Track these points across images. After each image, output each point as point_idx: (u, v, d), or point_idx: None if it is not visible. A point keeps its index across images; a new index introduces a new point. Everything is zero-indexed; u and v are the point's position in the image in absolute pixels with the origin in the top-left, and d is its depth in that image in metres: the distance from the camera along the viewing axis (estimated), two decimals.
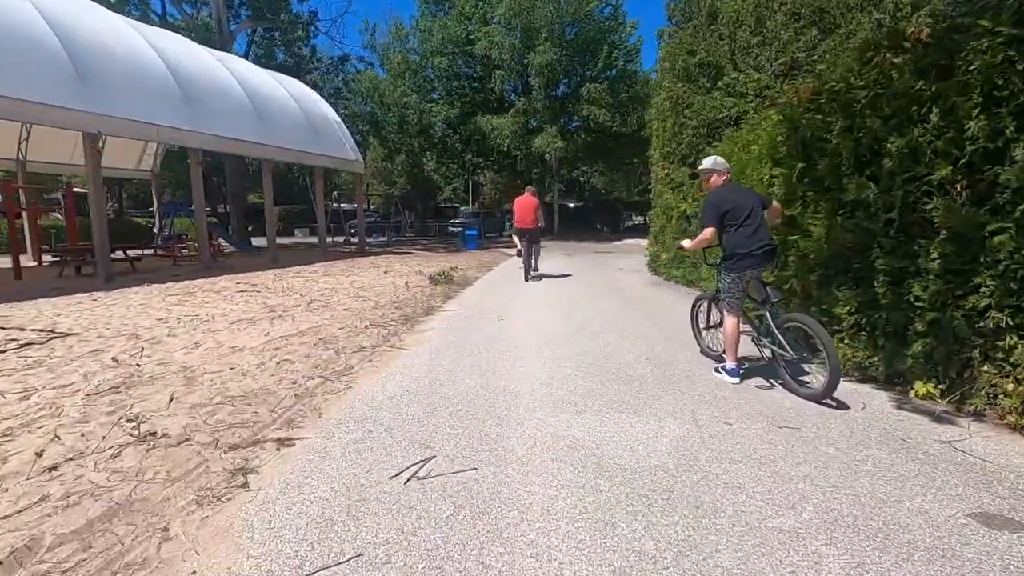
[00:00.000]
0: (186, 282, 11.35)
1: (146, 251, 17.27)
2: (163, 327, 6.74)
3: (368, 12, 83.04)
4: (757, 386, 4.33)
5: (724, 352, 4.60)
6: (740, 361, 4.54)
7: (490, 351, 5.44)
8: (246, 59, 20.60)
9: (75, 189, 16.04)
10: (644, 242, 26.57)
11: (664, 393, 4.13)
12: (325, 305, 8.36)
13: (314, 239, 24.91)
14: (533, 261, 11.09)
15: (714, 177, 4.67)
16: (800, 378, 4.33)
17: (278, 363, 4.97)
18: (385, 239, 27.54)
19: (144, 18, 20.67)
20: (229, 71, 15.30)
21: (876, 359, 4.30)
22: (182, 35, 16.99)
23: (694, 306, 5.61)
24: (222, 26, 21.09)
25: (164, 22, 21.96)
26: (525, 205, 10.86)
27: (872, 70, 4.47)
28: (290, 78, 19.18)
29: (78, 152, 14.78)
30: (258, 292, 9.95)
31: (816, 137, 5.03)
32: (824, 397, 3.92)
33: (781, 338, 4.25)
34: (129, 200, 41.84)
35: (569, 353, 5.32)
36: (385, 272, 13.04)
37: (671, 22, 11.07)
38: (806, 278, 5.12)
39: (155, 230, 20.28)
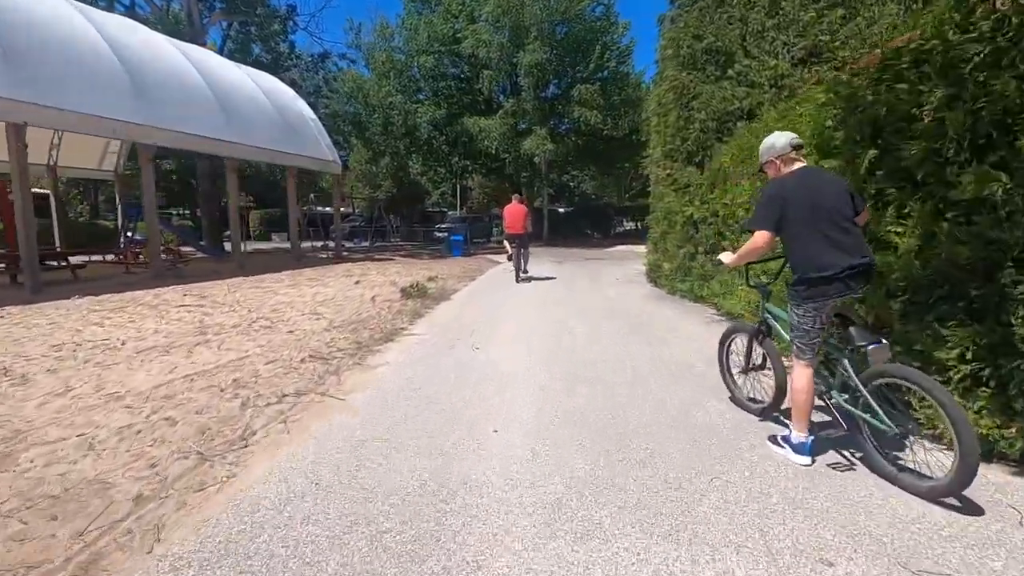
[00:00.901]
0: (127, 293, 9.79)
1: (108, 256, 15.61)
2: (50, 358, 5.21)
3: (352, 10, 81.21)
4: (832, 466, 2.91)
5: (790, 419, 3.14)
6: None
7: (454, 404, 3.96)
8: (220, 54, 19.04)
9: (36, 190, 14.38)
10: (638, 248, 25.32)
11: (708, 489, 2.68)
12: (270, 325, 6.85)
13: (307, 244, 23.35)
14: (523, 264, 11.40)
15: (778, 163, 3.21)
16: (896, 457, 2.92)
17: (154, 424, 3.47)
18: (367, 244, 25.99)
19: (109, 8, 19.03)
20: (191, 62, 13.74)
21: (1012, 430, 2.89)
22: (149, 28, 15.39)
23: (724, 342, 4.15)
24: (193, 19, 19.50)
25: (132, 13, 20.32)
26: (514, 212, 11.05)
27: (987, 16, 3.09)
28: (262, 73, 17.65)
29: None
30: (202, 307, 8.42)
31: (896, 114, 3.63)
32: (951, 494, 2.52)
33: (871, 400, 2.83)
34: (108, 203, 39.96)
35: (562, 410, 3.85)
36: (356, 282, 11.54)
37: (673, 4, 9.68)
38: (883, 305, 3.71)
39: (120, 234, 18.64)
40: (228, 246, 21.89)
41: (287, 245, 25.88)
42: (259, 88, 15.81)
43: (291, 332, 6.43)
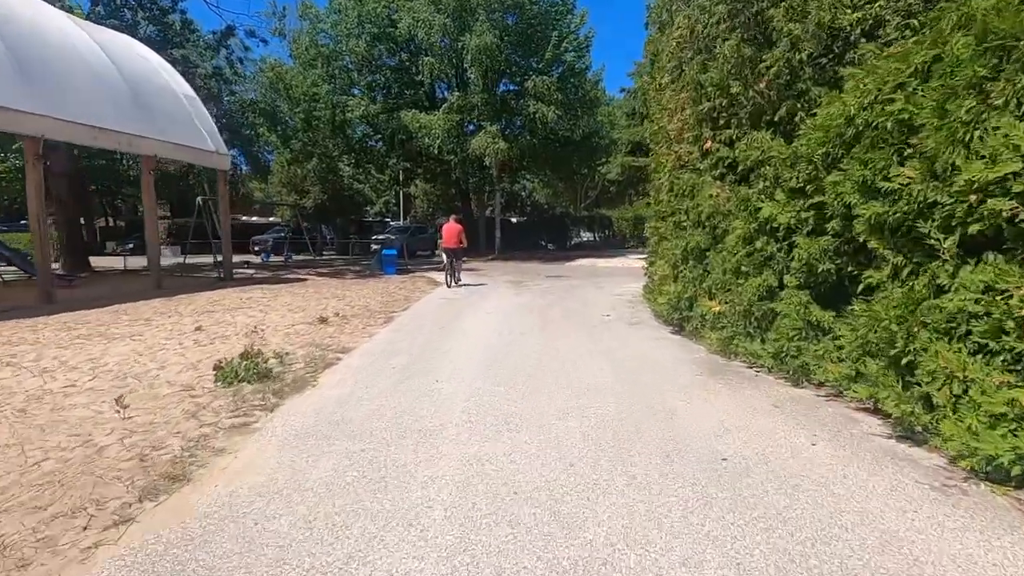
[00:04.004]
0: None
1: None
2: None
3: None
4: None
5: None
6: None
7: None
8: (86, 19, 13.70)
9: None
10: (600, 262, 21.22)
11: None
12: None
13: (209, 259, 17.89)
14: (456, 274, 11.88)
15: None
16: None
17: None
18: (282, 259, 20.81)
19: None
20: None
21: None
22: None
23: None
24: None
25: None
26: (450, 229, 11.92)
27: None
28: (117, 34, 12.45)
29: None
30: None
31: None
32: None
33: None
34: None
35: None
36: (198, 328, 6.73)
37: None
38: None
39: None
40: (129, 261, 16.44)
41: (199, 260, 20.29)
42: (98, 46, 10.68)
43: None
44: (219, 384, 4.13)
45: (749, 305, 4.76)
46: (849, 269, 4.07)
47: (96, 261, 19.71)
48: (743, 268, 4.93)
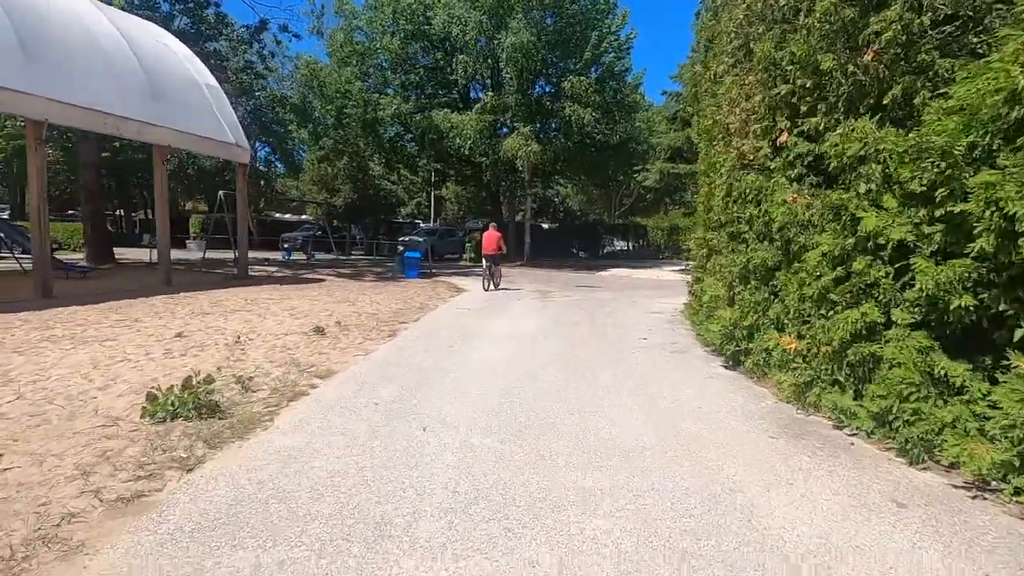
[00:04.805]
0: None
1: None
2: None
3: None
4: None
5: None
6: None
7: None
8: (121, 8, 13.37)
9: None
10: (634, 273, 19.76)
11: None
12: None
13: (229, 255, 17.38)
14: (496, 279, 12.22)
15: None
16: None
17: None
18: (305, 258, 20.25)
19: None
20: None
21: None
22: None
23: None
24: None
25: None
26: (489, 237, 12.34)
27: None
28: (132, 16, 11.96)
29: None
30: None
31: None
32: None
33: None
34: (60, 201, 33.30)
35: None
36: (178, 335, 5.91)
37: None
38: None
39: None
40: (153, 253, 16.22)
41: (219, 255, 19.93)
42: (119, 34, 10.15)
43: None
44: (147, 420, 3.19)
45: (840, 345, 3.56)
46: (1001, 307, 2.86)
47: (128, 253, 19.59)
48: (831, 296, 3.73)
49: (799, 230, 4.12)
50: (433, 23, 19.74)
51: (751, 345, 4.84)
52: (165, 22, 15.79)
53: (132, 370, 4.53)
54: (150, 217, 35.92)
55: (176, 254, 22.62)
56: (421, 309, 8.90)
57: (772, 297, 4.64)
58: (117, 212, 31.79)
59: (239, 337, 5.81)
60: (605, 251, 29.07)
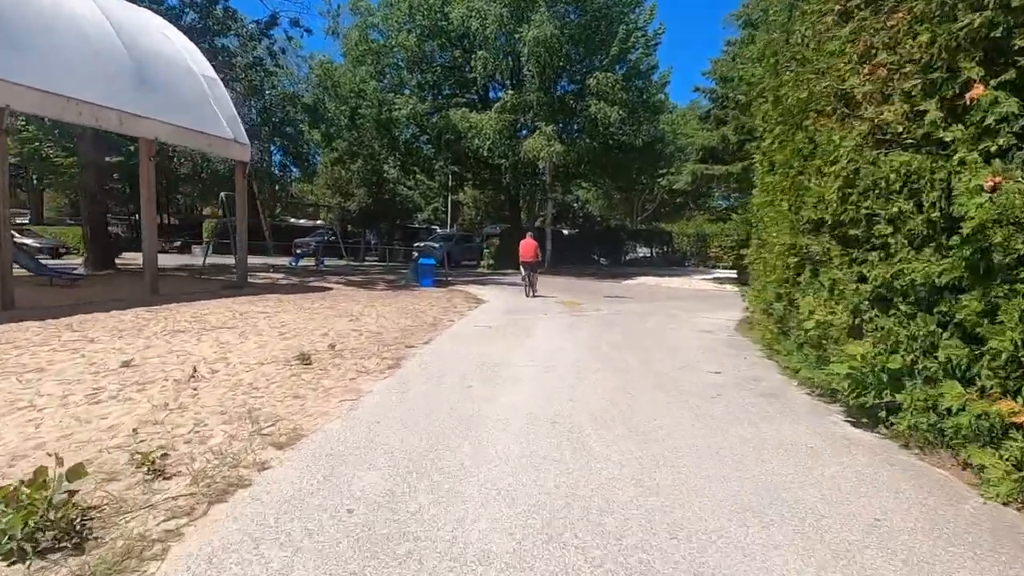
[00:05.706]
0: None
1: None
2: None
3: None
4: None
5: None
6: None
7: None
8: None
9: None
10: (664, 281, 17.99)
11: None
12: None
13: (231, 260, 16.16)
14: (534, 285, 12.30)
15: None
16: None
17: None
18: (315, 265, 19.03)
19: None
20: None
21: None
22: None
23: None
24: None
25: None
26: (527, 245, 12.36)
27: None
28: (132, 7, 10.83)
29: None
30: None
31: None
32: None
33: None
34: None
35: None
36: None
37: None
38: None
39: None
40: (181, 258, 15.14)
41: (222, 261, 18.79)
42: (108, 23, 8.98)
43: None
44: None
45: None
46: None
47: (137, 258, 18.57)
48: None
49: (1014, 231, 2.59)
50: (451, 18, 18.46)
51: (901, 397, 3.30)
52: (174, 19, 14.79)
53: (18, 428, 3.17)
54: (166, 223, 35.39)
55: (182, 259, 21.64)
56: (434, 326, 7.47)
57: (940, 330, 3.11)
58: (134, 217, 31.15)
59: (195, 370, 4.43)
60: (627, 258, 27.46)
